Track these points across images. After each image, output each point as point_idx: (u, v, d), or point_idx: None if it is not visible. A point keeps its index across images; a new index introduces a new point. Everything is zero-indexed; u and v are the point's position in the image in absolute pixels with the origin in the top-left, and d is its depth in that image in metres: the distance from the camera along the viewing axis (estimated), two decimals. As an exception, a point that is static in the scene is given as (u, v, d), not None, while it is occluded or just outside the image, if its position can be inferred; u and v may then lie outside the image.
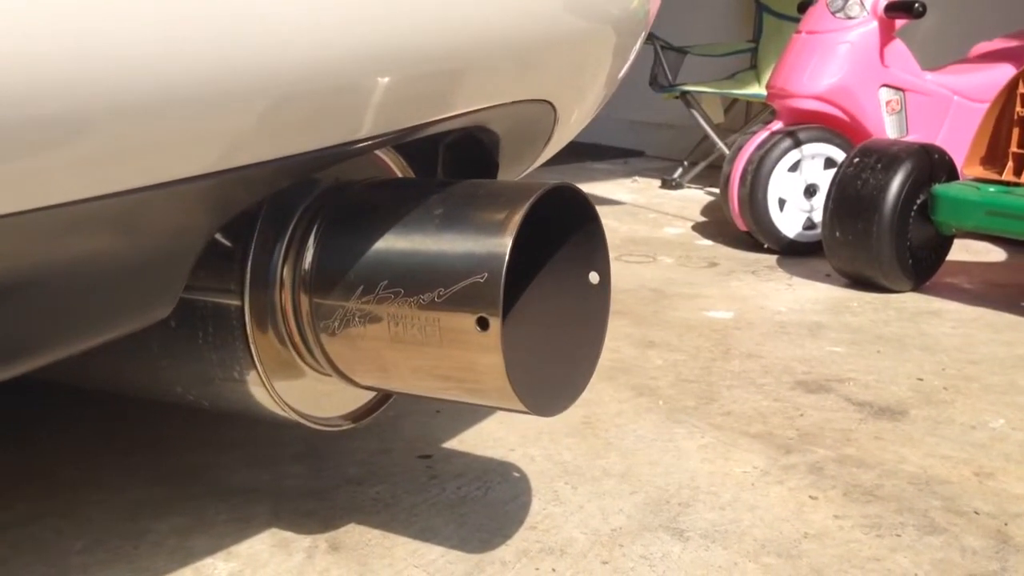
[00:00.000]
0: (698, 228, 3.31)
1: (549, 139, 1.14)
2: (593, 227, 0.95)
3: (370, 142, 0.84)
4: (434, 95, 0.86)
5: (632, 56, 1.17)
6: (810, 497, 1.33)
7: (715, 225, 3.31)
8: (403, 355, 0.87)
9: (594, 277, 0.96)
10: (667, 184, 4.08)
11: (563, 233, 0.95)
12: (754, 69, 4.25)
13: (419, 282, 0.84)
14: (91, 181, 0.68)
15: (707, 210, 3.62)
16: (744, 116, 4.41)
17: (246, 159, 0.77)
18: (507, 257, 0.80)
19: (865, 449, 1.49)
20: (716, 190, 3.89)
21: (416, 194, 0.91)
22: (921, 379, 1.82)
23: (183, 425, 1.49)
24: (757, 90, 4.03)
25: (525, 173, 1.26)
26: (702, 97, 4.03)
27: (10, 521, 1.19)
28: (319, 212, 0.93)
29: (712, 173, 4.07)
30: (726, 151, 3.71)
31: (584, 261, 0.96)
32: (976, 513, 1.30)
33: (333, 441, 1.44)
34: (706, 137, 4.03)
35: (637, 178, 4.34)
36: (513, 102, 0.96)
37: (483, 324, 0.81)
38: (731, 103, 4.31)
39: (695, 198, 3.89)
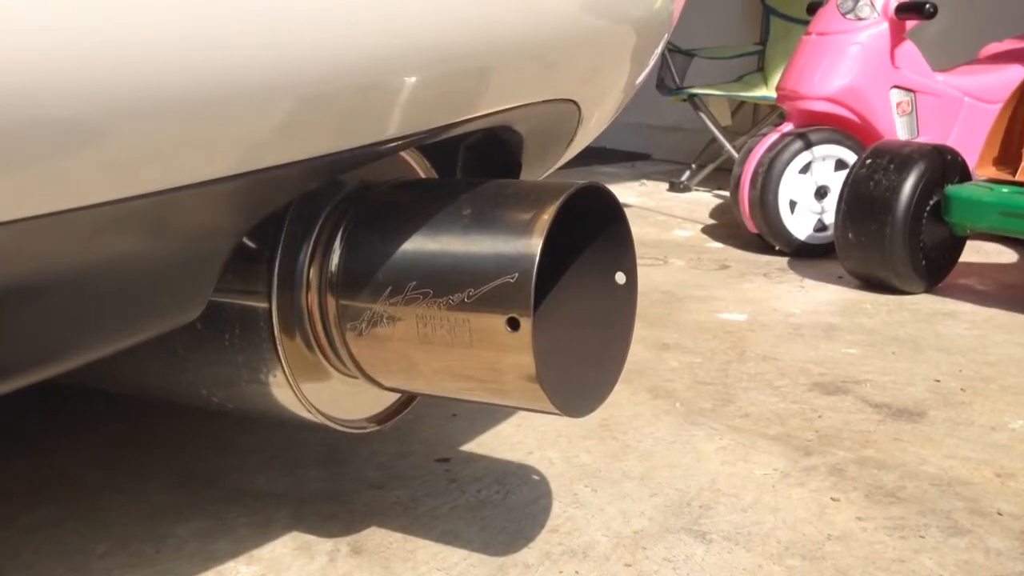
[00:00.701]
0: (708, 231, 3.31)
1: (572, 139, 1.14)
2: (620, 227, 0.94)
3: (399, 142, 0.84)
4: (463, 95, 0.86)
5: (655, 57, 1.17)
6: (832, 499, 1.32)
7: (725, 228, 3.31)
8: (432, 356, 0.87)
9: (620, 277, 0.96)
10: (675, 187, 4.08)
11: (590, 233, 0.95)
12: (761, 71, 4.25)
13: (448, 283, 0.84)
14: (122, 182, 0.67)
15: (716, 213, 3.62)
16: (752, 119, 4.41)
17: (276, 160, 0.77)
18: (538, 257, 0.80)
19: (885, 451, 1.49)
20: (725, 193, 3.90)
21: (443, 194, 0.91)
22: (938, 380, 1.81)
23: (201, 429, 1.48)
24: (765, 92, 4.03)
25: (546, 174, 1.26)
26: (709, 100, 4.03)
27: (32, 525, 1.19)
28: (345, 213, 0.93)
29: (720, 176, 4.07)
30: (734, 154, 3.71)
31: (611, 261, 0.96)
32: (999, 514, 1.29)
33: (352, 445, 1.44)
34: (714, 140, 4.03)
35: (645, 181, 4.34)
36: (540, 102, 0.96)
37: (514, 324, 0.80)
38: (738, 106, 4.31)
39: (704, 201, 3.88)
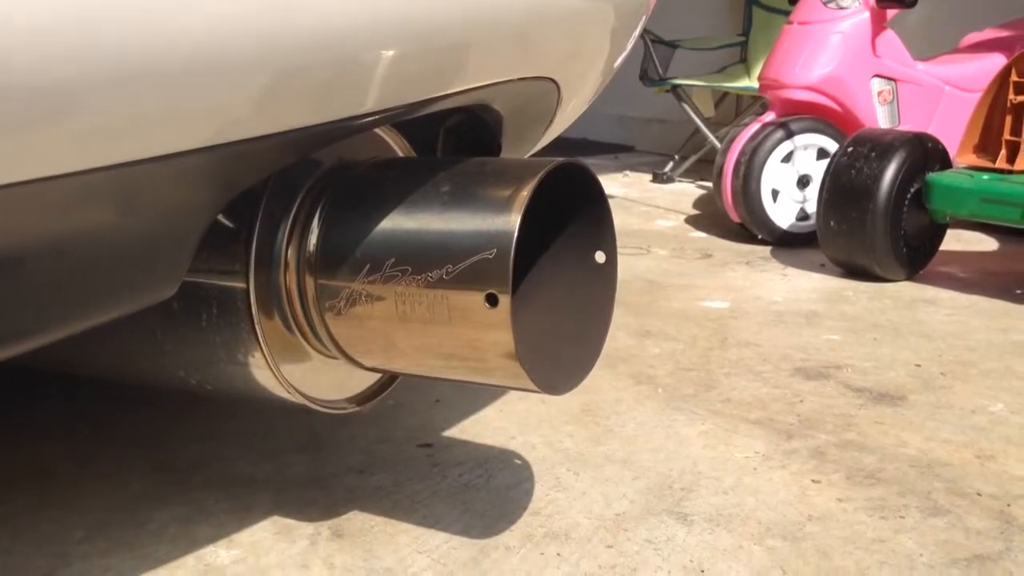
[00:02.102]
0: (691, 221, 3.31)
1: (551, 121, 1.14)
2: (600, 206, 0.94)
3: (375, 117, 0.84)
4: (440, 70, 0.86)
5: (632, 39, 1.17)
6: (813, 481, 1.33)
7: (708, 217, 3.31)
8: (410, 334, 0.87)
9: (600, 257, 0.96)
10: (658, 178, 4.08)
11: (570, 211, 0.94)
12: (744, 62, 4.26)
13: (427, 260, 0.83)
14: (91, 152, 0.66)
15: (699, 203, 3.62)
16: (734, 110, 4.41)
17: (249, 132, 0.76)
18: (516, 233, 0.80)
19: (866, 434, 1.49)
20: (708, 183, 3.90)
21: (422, 172, 0.90)
22: (919, 365, 1.82)
23: (180, 416, 1.48)
24: (747, 83, 4.03)
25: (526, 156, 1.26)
26: (692, 91, 4.04)
27: (9, 512, 1.18)
28: (323, 192, 0.92)
29: (703, 167, 4.08)
30: (717, 144, 3.71)
31: (591, 240, 0.95)
32: (979, 495, 1.30)
33: (333, 431, 1.43)
34: (697, 131, 4.03)
35: (628, 172, 4.34)
36: (518, 79, 0.96)
37: (492, 300, 0.80)
38: (721, 97, 4.32)
39: (687, 191, 3.89)
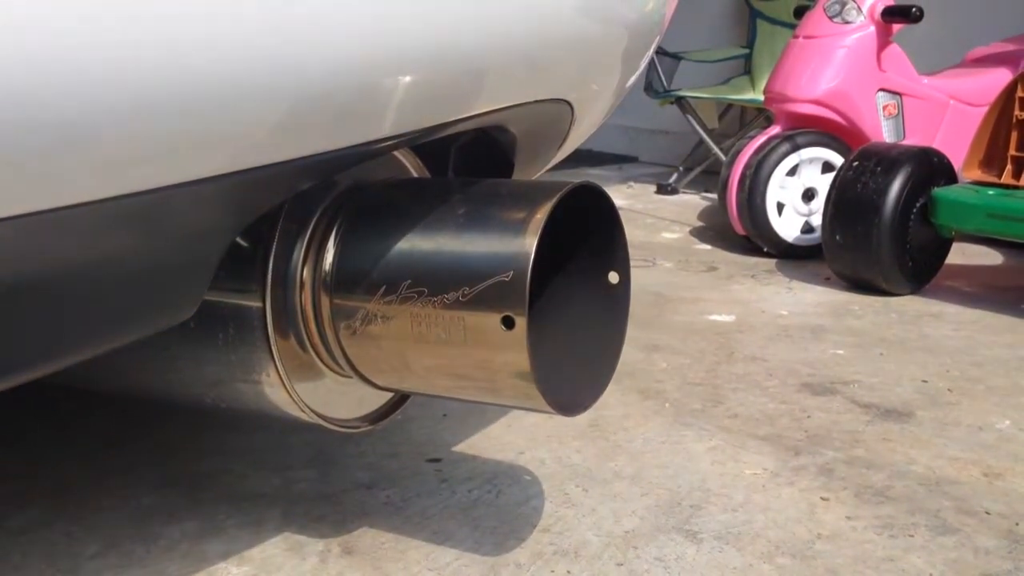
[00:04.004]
0: (696, 233, 3.32)
1: (564, 140, 1.14)
2: (613, 227, 0.94)
3: (392, 141, 0.84)
4: (459, 94, 0.86)
5: (646, 60, 1.18)
6: (821, 498, 1.33)
7: (712, 229, 3.32)
8: (426, 355, 0.87)
9: (614, 277, 0.96)
10: (663, 189, 4.09)
11: (583, 233, 0.95)
12: (748, 75, 4.27)
13: (443, 281, 0.84)
14: (116, 180, 0.67)
15: (704, 215, 3.63)
16: (739, 122, 4.42)
17: (270, 158, 0.76)
18: (533, 256, 0.80)
19: (874, 450, 1.49)
20: (712, 195, 3.91)
21: (437, 193, 0.91)
22: (926, 381, 1.82)
23: (188, 431, 1.48)
24: (752, 95, 4.04)
25: (538, 175, 1.26)
26: (697, 102, 4.04)
27: (21, 527, 1.18)
28: (339, 212, 0.93)
29: (707, 178, 4.08)
30: (722, 156, 3.72)
31: (604, 261, 0.96)
32: (987, 513, 1.30)
33: (340, 446, 1.44)
34: (701, 142, 4.04)
35: (632, 184, 4.35)
36: (534, 101, 0.96)
37: (508, 323, 0.81)
38: (725, 108, 4.33)
39: (691, 203, 3.89)
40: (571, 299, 0.96)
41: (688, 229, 3.38)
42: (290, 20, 0.71)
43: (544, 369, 0.84)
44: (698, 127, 3.99)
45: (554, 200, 0.83)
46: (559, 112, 1.03)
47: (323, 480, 1.33)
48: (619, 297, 0.97)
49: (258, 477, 1.34)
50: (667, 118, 4.42)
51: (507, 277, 0.80)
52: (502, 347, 0.82)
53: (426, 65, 0.81)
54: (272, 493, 1.29)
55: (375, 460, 1.40)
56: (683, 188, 4.12)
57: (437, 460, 1.41)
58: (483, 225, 0.85)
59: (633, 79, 1.17)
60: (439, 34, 0.81)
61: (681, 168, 4.18)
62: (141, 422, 1.51)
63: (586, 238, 0.96)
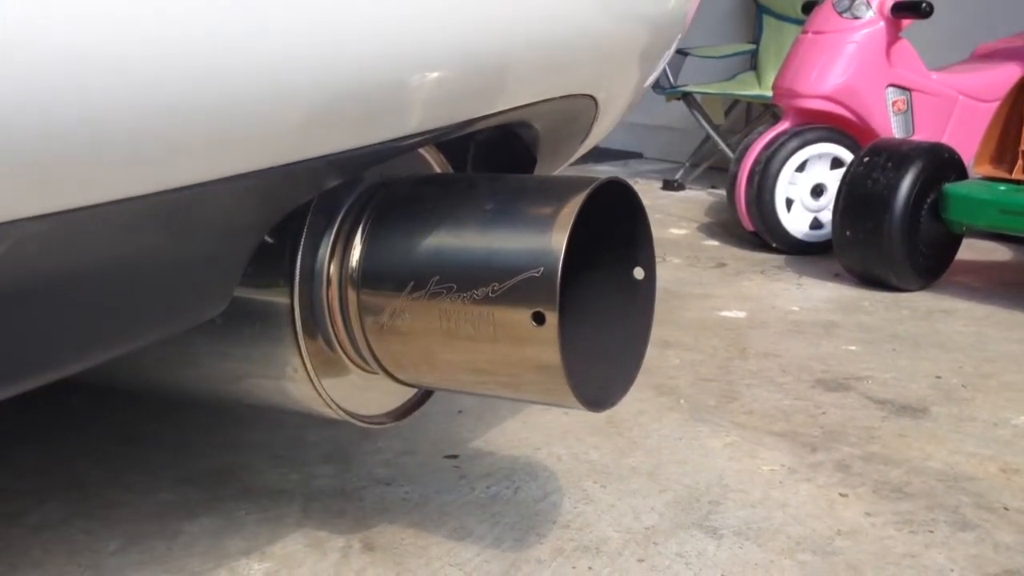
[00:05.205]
0: (703, 229, 3.32)
1: (587, 135, 1.14)
2: (639, 222, 0.94)
3: (422, 137, 0.84)
4: (488, 91, 0.86)
5: (669, 55, 1.18)
6: (840, 495, 1.33)
7: (720, 225, 3.32)
8: (454, 350, 0.87)
9: (639, 273, 0.96)
10: (669, 185, 4.08)
11: (608, 227, 0.95)
12: (755, 70, 4.26)
13: (472, 277, 0.84)
14: (151, 177, 0.67)
15: (711, 211, 3.62)
16: (744, 118, 4.42)
17: (300, 155, 0.76)
18: (564, 252, 0.80)
19: (890, 446, 1.49)
20: (718, 191, 3.90)
21: (463, 189, 0.91)
22: (939, 377, 1.82)
23: (203, 427, 1.48)
24: (758, 91, 4.04)
25: (559, 171, 1.26)
26: (703, 98, 4.04)
27: (40, 523, 1.18)
28: (365, 208, 0.92)
29: (712, 174, 4.08)
30: (729, 152, 3.72)
31: (629, 256, 0.96)
32: (1006, 509, 1.30)
33: (356, 442, 1.43)
34: (708, 138, 4.03)
35: (638, 180, 4.34)
36: (561, 97, 0.96)
37: (539, 319, 0.80)
38: (731, 104, 4.32)
39: (697, 199, 3.89)
40: (596, 295, 0.96)
41: (695, 225, 3.38)
42: (320, 18, 0.71)
43: (573, 365, 0.84)
44: (704, 123, 3.99)
45: (584, 195, 0.83)
46: (584, 107, 1.03)
47: (341, 476, 1.33)
48: (644, 292, 0.97)
49: (275, 473, 1.34)
50: (671, 114, 4.42)
51: (537, 273, 0.80)
52: (532, 343, 0.82)
53: (457, 62, 0.81)
54: (290, 489, 1.29)
55: (392, 457, 1.40)
56: (689, 184, 4.11)
57: (454, 456, 1.41)
58: (512, 220, 0.85)
59: (654, 75, 1.16)
60: (470, 31, 0.80)
61: (687, 164, 4.17)
62: (153, 418, 1.51)
63: (611, 233, 0.96)
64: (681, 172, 4.13)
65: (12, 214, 0.61)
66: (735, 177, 2.89)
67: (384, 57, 0.76)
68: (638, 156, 5.09)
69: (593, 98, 1.02)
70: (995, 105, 2.53)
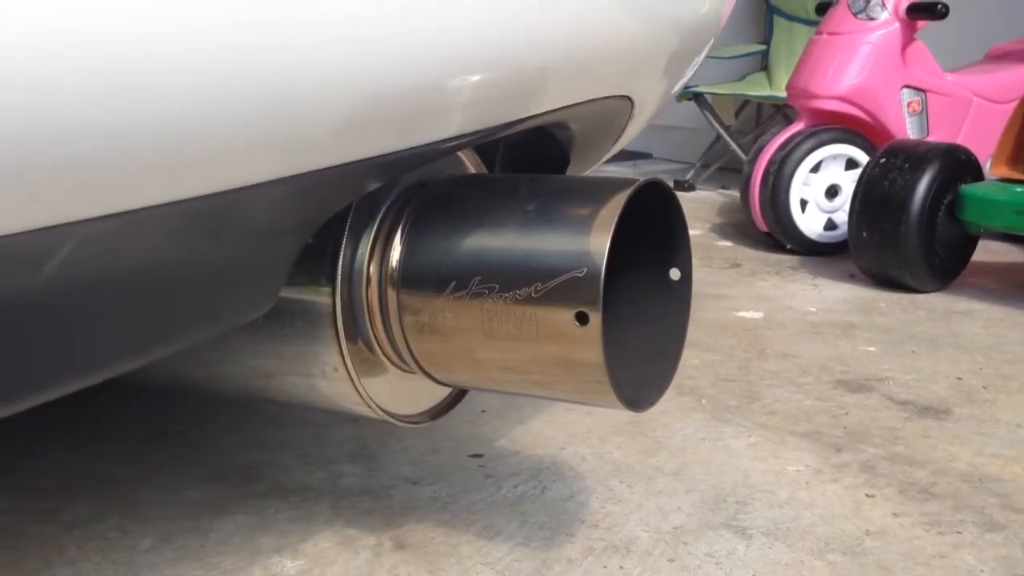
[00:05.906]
0: (716, 229, 3.32)
1: (620, 135, 1.14)
2: (676, 224, 0.95)
3: (462, 140, 0.84)
4: (527, 93, 0.86)
5: (702, 56, 1.18)
6: (866, 495, 1.33)
7: (733, 226, 3.32)
8: (495, 351, 0.87)
9: (675, 273, 0.96)
10: (680, 186, 4.09)
11: (645, 229, 0.95)
12: (765, 71, 4.27)
13: (514, 277, 0.84)
14: (202, 180, 0.67)
15: (723, 211, 3.63)
16: (755, 118, 4.42)
17: (343, 158, 0.77)
18: (607, 252, 0.80)
19: (915, 447, 1.49)
20: (729, 192, 3.91)
21: (503, 189, 0.91)
22: (960, 378, 1.82)
23: (228, 425, 1.48)
24: (769, 92, 4.04)
25: (590, 170, 1.26)
26: (713, 99, 4.04)
27: (73, 521, 1.19)
28: (404, 208, 0.93)
29: (722, 175, 4.08)
30: (740, 153, 3.72)
31: (665, 256, 0.96)
32: (1032, 510, 1.30)
33: (383, 441, 1.44)
34: (718, 139, 4.04)
35: (649, 180, 4.34)
36: (600, 98, 0.96)
37: (582, 319, 0.81)
38: (742, 105, 4.32)
39: (709, 200, 3.89)
40: (634, 294, 0.96)
41: (708, 226, 3.38)
42: (361, 23, 0.71)
43: (613, 365, 0.85)
44: (715, 123, 3.99)
45: (626, 196, 0.84)
46: (620, 108, 1.03)
47: (368, 475, 1.34)
48: (680, 293, 0.97)
49: (303, 471, 1.34)
50: (680, 114, 4.42)
51: (581, 273, 0.81)
52: (575, 343, 0.82)
53: (498, 65, 0.81)
54: (319, 487, 1.30)
55: (418, 456, 1.40)
56: (700, 184, 4.11)
57: (479, 456, 1.41)
58: (554, 221, 0.85)
59: (687, 76, 1.17)
60: (510, 33, 0.81)
61: (698, 164, 4.17)
62: (177, 417, 1.52)
63: (649, 234, 0.96)
64: (692, 172, 4.14)
65: (68, 216, 0.61)
66: (749, 178, 2.90)
67: (428, 61, 0.76)
68: (647, 156, 5.09)
69: (630, 99, 1.03)
70: (1010, 106, 2.54)
